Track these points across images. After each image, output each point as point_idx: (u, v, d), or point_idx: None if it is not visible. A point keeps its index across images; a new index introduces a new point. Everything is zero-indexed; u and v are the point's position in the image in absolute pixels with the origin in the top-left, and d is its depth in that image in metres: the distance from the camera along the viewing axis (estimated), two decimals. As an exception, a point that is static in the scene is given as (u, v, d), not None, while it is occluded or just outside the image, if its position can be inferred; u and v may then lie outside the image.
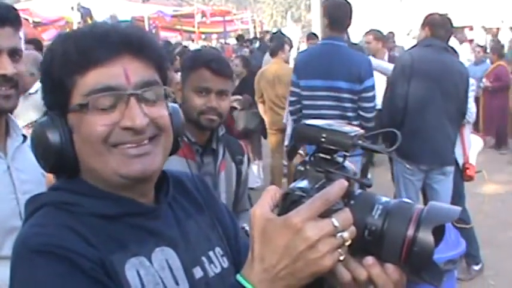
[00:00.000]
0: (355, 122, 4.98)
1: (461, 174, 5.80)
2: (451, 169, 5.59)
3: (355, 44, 8.66)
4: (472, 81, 5.92)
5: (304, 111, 5.39)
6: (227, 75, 2.89)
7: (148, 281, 1.31)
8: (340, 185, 1.09)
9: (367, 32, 9.02)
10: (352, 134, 1.17)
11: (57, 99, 1.33)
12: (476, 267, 6.14)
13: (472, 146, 5.94)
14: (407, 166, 5.29)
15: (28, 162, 2.28)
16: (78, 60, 1.29)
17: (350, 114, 5.17)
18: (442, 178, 5.56)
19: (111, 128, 1.30)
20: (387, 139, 5.25)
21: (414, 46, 5.86)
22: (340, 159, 1.20)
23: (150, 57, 1.37)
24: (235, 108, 9.11)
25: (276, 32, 9.34)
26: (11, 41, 2.10)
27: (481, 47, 13.42)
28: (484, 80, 12.12)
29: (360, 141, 1.17)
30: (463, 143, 5.84)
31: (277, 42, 9.11)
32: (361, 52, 6.57)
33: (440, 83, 5.34)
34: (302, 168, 1.20)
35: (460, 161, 5.82)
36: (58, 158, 1.33)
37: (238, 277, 1.13)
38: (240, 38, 18.71)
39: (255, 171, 9.50)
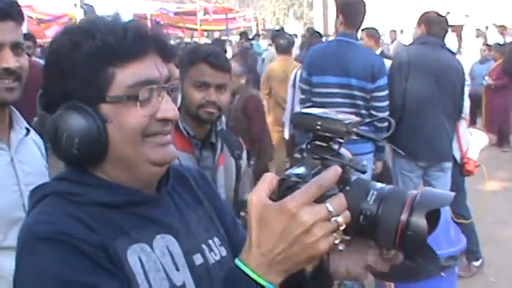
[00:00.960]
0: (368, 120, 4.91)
1: (460, 170, 5.84)
2: (449, 165, 5.62)
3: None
4: (466, 76, 5.97)
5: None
6: (226, 70, 2.93)
7: (149, 266, 1.34)
8: (334, 171, 1.12)
9: (362, 30, 9.13)
10: (347, 122, 1.20)
11: (86, 90, 1.34)
12: (477, 263, 6.15)
13: (476, 141, 5.95)
14: (402, 153, 5.30)
15: (31, 155, 2.34)
16: (119, 54, 1.34)
17: (363, 112, 5.11)
18: (441, 175, 5.59)
19: (150, 119, 1.36)
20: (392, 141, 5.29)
21: (411, 44, 5.89)
22: (336, 147, 1.23)
23: (167, 53, 1.44)
24: None
25: (279, 30, 9.39)
26: (14, 35, 2.13)
27: (488, 45, 13.40)
28: (486, 77, 12.11)
29: (354, 129, 1.20)
30: (459, 138, 5.86)
31: (289, 40, 9.12)
32: None
33: (438, 80, 5.37)
34: (299, 156, 1.23)
35: (458, 156, 5.85)
36: (93, 148, 1.34)
37: (237, 261, 1.17)
38: (243, 35, 18.71)
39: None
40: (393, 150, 5.55)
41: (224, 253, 1.54)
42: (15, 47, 2.14)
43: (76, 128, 1.33)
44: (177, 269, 1.39)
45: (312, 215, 1.08)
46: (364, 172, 1.21)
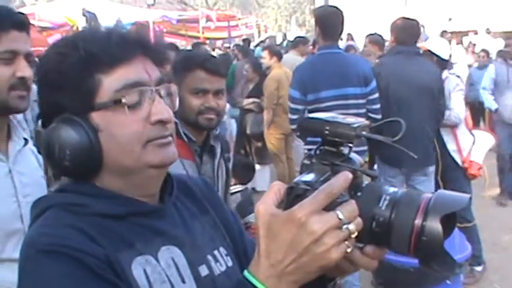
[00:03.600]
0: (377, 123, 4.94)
1: (464, 174, 5.86)
2: (432, 169, 5.68)
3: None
4: (457, 81, 6.04)
5: None
6: (222, 75, 2.93)
7: (155, 279, 1.31)
8: (344, 177, 1.09)
9: (366, 36, 9.14)
10: (355, 125, 1.17)
11: (75, 100, 1.33)
12: (479, 268, 6.12)
13: (480, 143, 5.98)
14: (411, 154, 5.32)
15: (29, 166, 2.35)
16: (104, 60, 1.32)
17: (363, 118, 5.11)
18: (424, 179, 5.64)
19: (144, 124, 1.33)
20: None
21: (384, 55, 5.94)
22: (346, 151, 1.20)
23: (157, 56, 1.42)
24: (252, 110, 9.16)
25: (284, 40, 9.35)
26: (27, 46, 2.20)
27: (485, 51, 13.37)
28: (489, 83, 12.07)
29: (363, 132, 1.17)
30: (458, 144, 5.91)
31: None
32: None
33: (414, 87, 5.44)
34: (308, 162, 1.20)
35: (459, 161, 5.89)
36: (86, 159, 1.32)
37: (246, 273, 1.14)
38: (245, 42, 18.72)
39: (264, 176, 9.53)
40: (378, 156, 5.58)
41: (230, 263, 1.52)
42: (28, 57, 2.19)
43: (67, 139, 1.31)
44: (183, 281, 1.37)
45: (322, 223, 1.05)
46: (375, 177, 1.18)
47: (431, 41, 6.33)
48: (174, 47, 8.09)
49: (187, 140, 2.81)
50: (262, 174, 9.57)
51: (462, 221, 5.91)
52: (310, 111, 5.14)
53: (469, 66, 15.07)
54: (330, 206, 1.07)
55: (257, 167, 9.57)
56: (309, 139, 4.58)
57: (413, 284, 4.35)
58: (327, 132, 1.18)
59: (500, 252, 6.60)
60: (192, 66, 2.86)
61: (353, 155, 1.20)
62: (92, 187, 1.37)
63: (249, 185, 9.38)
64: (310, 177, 1.15)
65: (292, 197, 1.11)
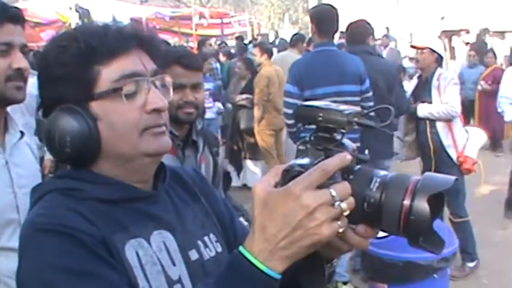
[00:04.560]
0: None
1: (459, 169, 5.89)
2: (388, 164, 5.74)
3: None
4: (452, 75, 6.17)
5: None
6: (198, 68, 2.97)
7: (146, 261, 1.36)
8: (340, 158, 1.14)
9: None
10: (347, 112, 1.22)
11: (75, 90, 1.38)
12: (471, 264, 6.17)
13: (473, 138, 6.04)
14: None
15: (25, 158, 2.39)
16: (102, 52, 1.38)
17: None
18: None
19: (140, 113, 1.40)
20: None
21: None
22: (339, 137, 1.25)
23: (152, 50, 1.49)
24: (245, 106, 9.19)
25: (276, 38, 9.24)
26: (22, 38, 2.26)
27: (493, 53, 13.40)
28: (482, 82, 12.14)
29: (355, 119, 1.22)
30: (453, 138, 5.96)
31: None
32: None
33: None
34: (303, 147, 1.25)
35: (454, 156, 5.93)
36: (85, 146, 1.38)
37: (240, 248, 1.18)
38: (238, 40, 18.72)
39: (257, 172, 9.57)
40: None
41: (219, 249, 1.57)
42: (23, 49, 2.25)
43: (67, 127, 1.37)
44: (174, 264, 1.42)
45: (315, 198, 1.10)
46: (367, 161, 1.23)
47: (431, 40, 6.40)
48: (165, 43, 8.11)
49: (170, 135, 2.84)
50: (254, 171, 9.62)
51: (455, 216, 6.00)
52: None
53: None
54: (324, 185, 1.12)
55: (249, 162, 9.62)
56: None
57: (402, 277, 4.39)
58: (320, 118, 1.23)
59: (488, 248, 6.63)
60: (168, 62, 2.88)
61: (345, 141, 1.25)
62: (90, 173, 1.43)
63: (240, 182, 9.46)
64: (305, 161, 1.21)
65: (288, 178, 1.16)
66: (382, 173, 1.19)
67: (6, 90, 2.20)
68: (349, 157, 1.15)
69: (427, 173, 1.19)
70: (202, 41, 13.66)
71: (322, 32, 5.33)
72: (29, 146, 2.49)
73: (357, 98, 5.23)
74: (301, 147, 1.26)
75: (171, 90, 1.53)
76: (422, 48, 6.03)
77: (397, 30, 24.22)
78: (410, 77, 17.55)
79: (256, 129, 8.79)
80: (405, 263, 4.30)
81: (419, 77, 6.37)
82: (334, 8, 5.43)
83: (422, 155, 6.24)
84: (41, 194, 1.41)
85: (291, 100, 5.28)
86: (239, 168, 9.58)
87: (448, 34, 20.78)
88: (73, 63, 1.38)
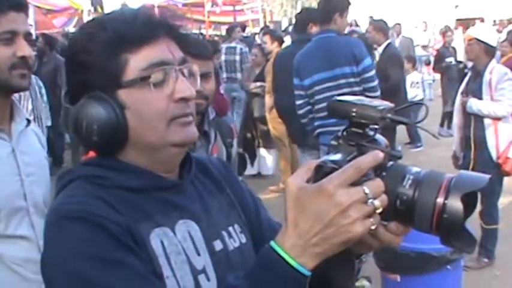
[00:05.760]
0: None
1: (498, 170, 5.75)
2: None
3: (363, 34, 8.75)
4: (505, 70, 5.91)
5: (316, 107, 5.42)
6: (207, 57, 2.90)
7: (171, 250, 1.36)
8: (374, 155, 1.14)
9: (370, 23, 9.09)
10: (381, 108, 1.22)
11: (102, 79, 1.38)
12: (486, 260, 6.11)
13: None
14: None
15: (32, 146, 2.40)
16: (130, 40, 1.37)
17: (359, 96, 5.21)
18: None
19: (168, 102, 1.38)
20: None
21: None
22: (372, 133, 1.24)
23: (180, 38, 1.48)
24: (258, 94, 9.17)
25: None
26: (26, 26, 2.26)
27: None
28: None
29: (389, 115, 1.22)
30: (497, 138, 5.80)
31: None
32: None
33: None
34: (335, 143, 1.25)
35: (494, 156, 5.80)
36: (112, 134, 1.37)
37: (271, 242, 1.19)
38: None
39: (270, 160, 9.56)
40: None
41: (244, 240, 1.56)
42: (27, 37, 2.24)
43: (94, 115, 1.36)
44: (198, 254, 1.42)
45: (348, 196, 1.10)
46: (399, 158, 1.22)
47: (477, 30, 6.24)
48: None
49: None
50: (268, 159, 9.60)
51: (486, 222, 5.92)
52: (314, 94, 5.35)
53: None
54: (357, 182, 1.11)
55: (263, 151, 9.60)
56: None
57: (415, 268, 4.37)
58: (353, 114, 1.23)
59: (502, 240, 6.54)
60: None
61: (378, 136, 1.25)
62: (116, 161, 1.43)
63: (255, 170, 9.45)
64: (337, 156, 1.20)
65: (321, 174, 1.15)
66: (415, 169, 1.18)
67: (11, 78, 2.20)
68: (382, 155, 1.14)
69: (461, 171, 1.18)
70: (232, 27, 13.58)
71: (319, 20, 5.53)
72: (36, 134, 2.49)
73: (353, 79, 5.31)
74: (333, 142, 1.26)
75: (199, 79, 1.52)
76: (470, 39, 5.92)
77: (410, 18, 24.09)
78: (427, 64, 17.57)
79: (268, 118, 8.75)
80: (418, 254, 4.27)
81: (472, 69, 6.19)
82: None
83: (465, 150, 6.08)
84: (66, 181, 1.42)
85: (296, 92, 5.54)
86: (253, 156, 9.56)
87: (463, 23, 20.63)
88: (101, 51, 1.37)
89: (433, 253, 4.27)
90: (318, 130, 5.42)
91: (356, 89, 5.26)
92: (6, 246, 2.21)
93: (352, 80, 5.30)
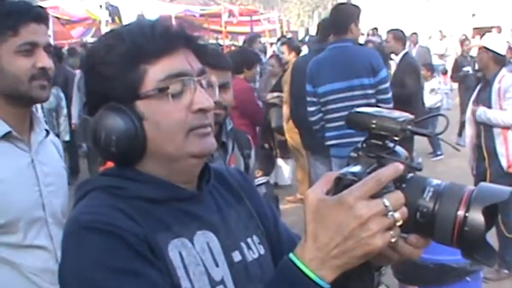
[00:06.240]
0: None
1: (509, 179, 5.68)
2: None
3: (380, 44, 8.73)
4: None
5: (328, 116, 5.43)
6: (226, 68, 2.88)
7: (189, 261, 1.36)
8: (394, 168, 1.13)
9: (388, 31, 9.05)
10: (401, 120, 1.21)
11: (121, 89, 1.38)
12: (506, 271, 6.04)
13: None
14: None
15: (50, 156, 2.41)
16: (149, 51, 1.38)
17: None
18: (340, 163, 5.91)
19: (186, 113, 1.38)
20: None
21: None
22: (392, 145, 1.23)
23: (199, 49, 1.49)
24: (276, 104, 9.16)
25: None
26: (46, 37, 2.27)
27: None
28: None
29: (409, 126, 1.21)
30: (507, 147, 5.77)
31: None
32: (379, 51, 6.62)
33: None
34: (355, 155, 1.25)
35: (504, 165, 5.77)
36: (131, 145, 1.38)
37: (290, 255, 1.18)
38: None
39: (287, 170, 9.54)
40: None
41: (262, 251, 1.56)
42: (47, 48, 2.25)
43: (113, 126, 1.37)
44: (217, 265, 1.41)
45: (368, 208, 1.09)
46: (419, 170, 1.21)
47: (486, 38, 6.21)
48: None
49: None
50: (285, 169, 9.58)
51: (510, 231, 5.84)
52: (326, 103, 5.37)
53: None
54: (377, 194, 1.10)
55: (280, 161, 9.59)
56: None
57: (433, 280, 4.32)
58: (373, 125, 1.23)
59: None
60: None
61: (398, 148, 1.24)
62: (134, 172, 1.43)
63: (272, 180, 9.43)
64: (357, 168, 1.20)
65: (340, 187, 1.15)
66: (436, 182, 1.17)
67: (31, 89, 2.21)
68: (402, 167, 1.13)
69: (482, 183, 1.16)
70: (252, 37, 13.60)
71: (334, 29, 5.53)
72: (54, 144, 2.50)
73: (370, 91, 5.31)
74: (353, 154, 1.25)
75: (217, 90, 1.52)
76: (479, 48, 5.88)
77: (427, 27, 24.03)
78: (444, 73, 17.50)
79: (285, 128, 8.74)
80: (437, 265, 4.23)
81: (482, 78, 6.17)
82: (347, 5, 5.62)
83: (478, 160, 6.07)
84: (86, 191, 1.42)
85: (309, 98, 5.56)
86: (270, 166, 9.54)
87: (480, 31, 20.55)
88: (120, 62, 1.38)
89: (452, 264, 4.22)
90: (330, 142, 5.43)
91: (372, 100, 5.26)
92: (24, 256, 2.21)
93: (369, 91, 5.30)
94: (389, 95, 5.36)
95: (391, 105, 5.29)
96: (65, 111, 8.49)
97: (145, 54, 1.38)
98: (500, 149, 5.80)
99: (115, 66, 1.38)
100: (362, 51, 5.56)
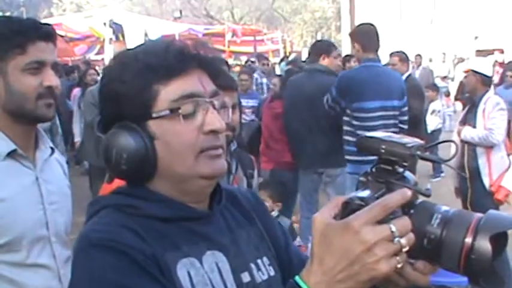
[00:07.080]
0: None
1: (492, 201, 5.76)
2: (335, 172, 6.04)
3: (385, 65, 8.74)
4: (497, 100, 6.00)
5: (358, 131, 5.42)
6: (234, 89, 2.88)
7: (198, 281, 1.36)
8: (402, 194, 1.13)
9: (392, 54, 9.04)
10: (410, 145, 1.21)
11: (134, 108, 1.39)
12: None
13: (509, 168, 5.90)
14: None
15: (55, 174, 2.40)
16: (162, 71, 1.39)
17: (397, 129, 5.44)
18: (328, 180, 6.13)
19: (197, 134, 1.39)
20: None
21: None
22: (401, 170, 1.23)
23: (212, 70, 1.49)
24: None
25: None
26: (53, 56, 2.26)
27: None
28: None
29: (418, 152, 1.21)
30: (489, 166, 5.85)
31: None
32: None
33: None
34: (364, 179, 1.25)
35: (487, 184, 5.84)
36: (141, 164, 1.39)
37: (296, 278, 1.18)
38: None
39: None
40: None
41: (272, 273, 1.55)
42: (54, 67, 2.26)
43: (124, 144, 1.38)
44: (225, 286, 1.41)
45: (374, 233, 1.09)
46: (428, 196, 1.21)
47: (473, 61, 6.34)
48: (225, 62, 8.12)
49: None
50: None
51: None
52: (356, 119, 5.46)
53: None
54: (384, 220, 1.10)
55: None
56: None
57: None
58: (383, 150, 1.23)
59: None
60: None
61: (407, 174, 1.24)
62: (145, 191, 1.44)
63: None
64: (365, 193, 1.20)
65: (348, 211, 1.15)
66: (444, 208, 1.16)
67: (37, 108, 2.21)
68: (410, 193, 1.13)
69: (490, 211, 1.16)
70: (258, 56, 13.67)
71: (367, 48, 5.61)
72: (59, 163, 2.50)
73: (398, 112, 5.54)
74: (362, 178, 1.26)
75: (230, 111, 1.52)
76: (466, 72, 5.97)
77: (430, 50, 24.08)
78: (447, 95, 17.54)
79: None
80: (438, 287, 4.21)
81: (468, 100, 6.30)
82: (374, 26, 5.74)
83: (460, 179, 6.15)
84: (96, 209, 1.43)
85: (330, 100, 5.66)
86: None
87: (483, 54, 20.60)
88: (133, 82, 1.39)
89: (453, 287, 4.21)
90: (349, 157, 5.51)
91: (396, 121, 5.49)
92: (27, 274, 2.19)
93: (397, 112, 5.51)
94: (407, 117, 5.60)
95: (406, 127, 5.53)
96: (59, 129, 8.42)
97: (158, 74, 1.39)
98: (483, 168, 5.88)
99: (128, 85, 1.39)
100: (393, 73, 5.82)
